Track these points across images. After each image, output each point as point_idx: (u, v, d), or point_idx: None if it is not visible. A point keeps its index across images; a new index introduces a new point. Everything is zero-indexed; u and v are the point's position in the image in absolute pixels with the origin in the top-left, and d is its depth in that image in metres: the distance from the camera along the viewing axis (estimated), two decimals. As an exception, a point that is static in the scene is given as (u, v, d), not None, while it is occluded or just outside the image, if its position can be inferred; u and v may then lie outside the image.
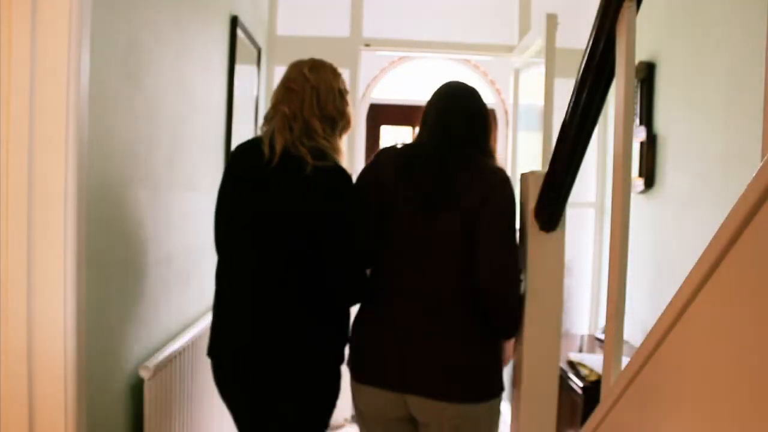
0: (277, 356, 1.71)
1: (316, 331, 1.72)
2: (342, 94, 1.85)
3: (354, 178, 1.77)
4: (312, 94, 1.78)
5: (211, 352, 1.78)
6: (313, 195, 1.69)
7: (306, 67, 1.85)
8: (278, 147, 1.70)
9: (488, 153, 1.76)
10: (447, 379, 1.59)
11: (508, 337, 1.68)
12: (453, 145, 1.71)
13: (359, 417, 1.78)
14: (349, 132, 1.89)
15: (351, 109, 1.88)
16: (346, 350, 1.80)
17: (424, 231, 1.65)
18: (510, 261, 1.60)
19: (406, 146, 1.80)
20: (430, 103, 1.80)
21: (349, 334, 1.80)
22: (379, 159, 1.78)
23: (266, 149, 1.71)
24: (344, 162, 1.81)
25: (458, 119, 1.73)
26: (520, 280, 1.64)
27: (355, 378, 1.72)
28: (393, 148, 1.80)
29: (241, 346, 1.73)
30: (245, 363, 1.73)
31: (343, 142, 1.88)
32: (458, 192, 1.64)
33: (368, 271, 1.79)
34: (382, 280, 1.73)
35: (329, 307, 1.74)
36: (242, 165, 1.80)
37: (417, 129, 1.83)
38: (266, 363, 1.71)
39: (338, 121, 1.81)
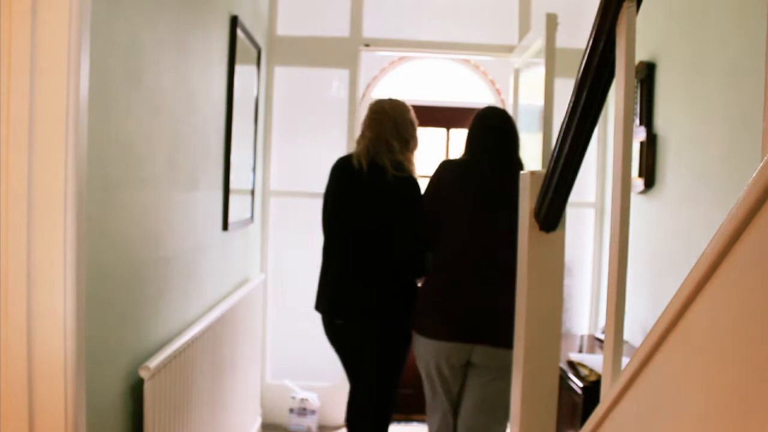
0: (358, 314, 2.45)
1: (386, 296, 2.42)
2: (412, 123, 2.55)
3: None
4: (391, 122, 2.48)
5: (318, 307, 2.56)
6: (389, 199, 2.41)
7: (386, 104, 2.55)
8: (364, 162, 2.44)
9: (518, 161, 2.36)
10: (503, 332, 2.00)
11: None
12: (496, 158, 2.34)
13: (432, 367, 2.32)
14: (417, 149, 2.57)
15: (418, 133, 2.58)
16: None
17: (484, 222, 2.26)
18: None
19: (461, 160, 2.39)
20: (474, 124, 2.41)
21: (416, 304, 2.38)
22: (444, 169, 2.39)
23: (356, 163, 2.46)
24: (415, 171, 2.52)
25: (496, 138, 2.36)
26: None
27: (437, 336, 2.27)
28: (452, 161, 2.43)
29: (336, 305, 2.49)
30: (341, 315, 2.49)
31: (414, 157, 2.56)
32: (509, 193, 2.07)
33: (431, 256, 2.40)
34: (458, 262, 2.28)
35: (397, 277, 2.43)
36: (342, 173, 2.52)
37: (463, 144, 2.44)
38: (354, 317, 2.46)
39: (410, 141, 2.52)
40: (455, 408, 2.38)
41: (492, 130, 2.38)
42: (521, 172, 1.58)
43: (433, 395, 2.39)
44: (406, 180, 2.42)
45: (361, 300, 2.44)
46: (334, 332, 2.54)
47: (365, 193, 2.43)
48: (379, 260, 2.41)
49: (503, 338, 2.02)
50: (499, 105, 4.04)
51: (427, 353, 2.30)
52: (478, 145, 2.37)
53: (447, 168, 2.38)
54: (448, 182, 2.34)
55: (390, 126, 2.46)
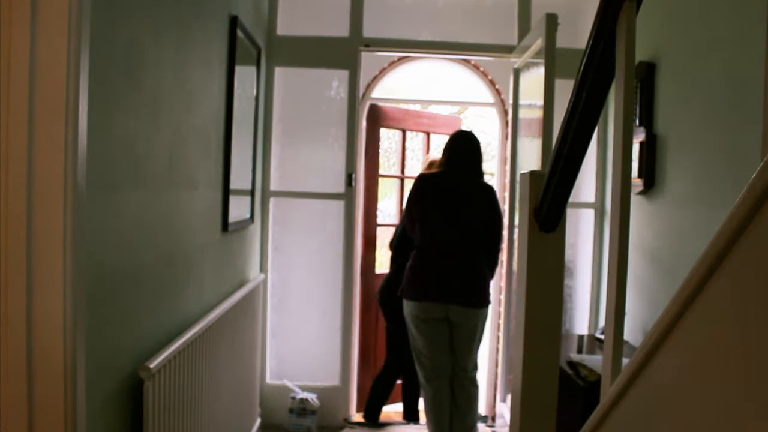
0: None
1: None
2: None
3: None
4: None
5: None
6: None
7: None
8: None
9: (481, 175, 3.21)
10: (469, 296, 3.05)
11: (494, 269, 3.21)
12: (463, 173, 3.14)
13: (415, 321, 3.12)
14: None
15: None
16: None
17: (454, 220, 3.06)
18: (501, 234, 3.18)
19: (436, 174, 3.18)
20: (449, 145, 3.19)
21: (404, 280, 3.17)
22: (422, 182, 3.17)
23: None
24: None
25: (465, 157, 3.15)
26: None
27: (416, 298, 3.08)
28: (428, 174, 3.22)
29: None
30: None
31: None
32: (470, 200, 3.10)
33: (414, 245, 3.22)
34: (429, 247, 3.09)
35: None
36: None
37: (439, 159, 3.31)
38: None
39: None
40: (450, 349, 3.16)
41: (463, 150, 3.15)
42: (521, 172, 1.58)
43: (429, 344, 3.12)
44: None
45: None
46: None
47: None
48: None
49: (468, 301, 3.05)
50: (498, 105, 4.05)
51: (419, 311, 3.09)
52: (450, 163, 3.15)
53: (423, 181, 3.18)
54: (426, 190, 3.13)
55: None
